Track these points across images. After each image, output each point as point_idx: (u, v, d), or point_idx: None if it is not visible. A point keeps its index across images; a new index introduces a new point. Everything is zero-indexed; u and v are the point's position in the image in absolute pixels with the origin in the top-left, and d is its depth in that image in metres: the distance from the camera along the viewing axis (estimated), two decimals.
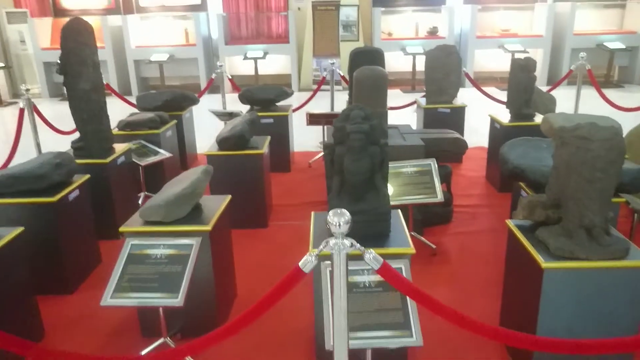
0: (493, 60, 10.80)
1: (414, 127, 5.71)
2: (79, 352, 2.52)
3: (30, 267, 2.80)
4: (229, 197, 3.03)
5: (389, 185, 3.61)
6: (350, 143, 2.35)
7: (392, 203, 2.78)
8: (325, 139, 6.00)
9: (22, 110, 5.04)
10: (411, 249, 2.29)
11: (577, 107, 6.58)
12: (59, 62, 3.68)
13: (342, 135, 2.41)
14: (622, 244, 2.18)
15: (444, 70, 5.75)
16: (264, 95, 5.52)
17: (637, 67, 10.22)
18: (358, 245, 1.63)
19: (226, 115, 5.61)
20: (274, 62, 10.93)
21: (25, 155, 4.79)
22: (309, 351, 2.64)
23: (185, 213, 2.72)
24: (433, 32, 10.66)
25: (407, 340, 2.02)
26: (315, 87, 7.77)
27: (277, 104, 5.69)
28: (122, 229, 2.67)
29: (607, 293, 2.17)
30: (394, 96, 9.45)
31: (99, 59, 3.88)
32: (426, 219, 4.05)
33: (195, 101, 5.82)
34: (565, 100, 7.41)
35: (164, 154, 4.67)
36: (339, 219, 1.60)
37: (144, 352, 2.62)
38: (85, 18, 3.78)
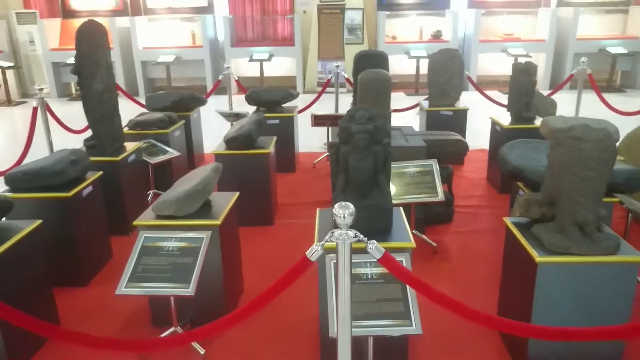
0: (496, 64, 10.89)
1: (417, 129, 5.82)
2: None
3: (47, 260, 2.93)
4: (237, 193, 3.15)
5: (392, 184, 3.73)
6: (355, 142, 2.46)
7: (395, 201, 2.89)
8: (330, 140, 6.11)
9: (35, 109, 5.17)
10: (411, 244, 2.40)
11: (578, 111, 6.68)
12: (73, 62, 3.81)
13: (347, 134, 2.52)
14: (613, 240, 2.29)
15: (446, 74, 5.86)
16: (270, 97, 5.64)
17: (639, 72, 10.31)
18: (361, 236, 1.74)
19: (233, 116, 5.72)
20: (280, 65, 11.06)
21: (36, 153, 4.93)
22: (314, 340, 2.76)
23: (196, 208, 2.84)
24: (437, 36, 10.76)
25: (407, 329, 2.13)
26: (319, 89, 7.89)
27: (283, 105, 5.81)
28: (135, 222, 2.79)
29: (598, 287, 2.28)
30: (398, 99, 9.57)
31: (111, 60, 4.02)
32: (428, 218, 4.16)
33: (203, 102, 5.94)
34: (566, 104, 7.52)
35: (172, 153, 4.80)
36: (344, 211, 1.71)
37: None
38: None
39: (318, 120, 5.90)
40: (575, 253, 2.25)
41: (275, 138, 4.57)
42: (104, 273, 3.60)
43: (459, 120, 5.85)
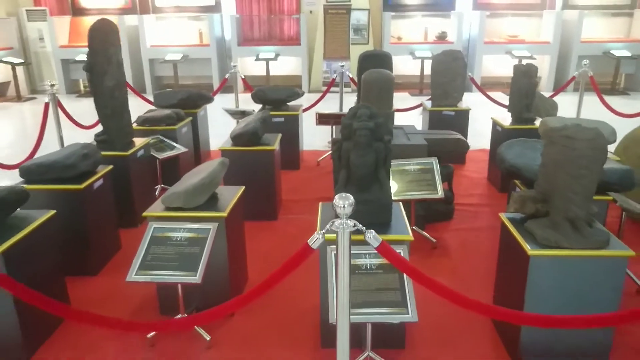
0: (500, 66, 10.96)
1: (419, 128, 5.91)
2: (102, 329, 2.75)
3: (59, 249, 3.05)
4: (242, 187, 3.26)
5: (393, 181, 3.83)
6: (356, 139, 2.57)
7: (396, 198, 2.98)
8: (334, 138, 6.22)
9: (47, 105, 5.30)
10: (409, 237, 2.50)
11: (579, 112, 6.75)
12: (82, 59, 3.92)
13: (349, 131, 2.63)
14: (603, 235, 2.38)
15: (449, 75, 5.94)
16: (276, 96, 5.75)
17: None
18: (360, 225, 1.85)
19: (239, 114, 5.84)
20: (285, 64, 11.18)
21: (46, 147, 5.06)
22: (315, 328, 2.86)
23: (203, 201, 2.96)
24: (442, 37, 10.85)
25: (404, 317, 2.24)
26: (324, 88, 8.00)
27: (288, 104, 5.92)
28: (145, 213, 2.91)
29: (588, 280, 2.37)
30: (402, 99, 9.67)
31: (122, 58, 4.14)
32: (428, 215, 4.26)
33: (210, 100, 6.06)
34: (568, 105, 7.59)
35: (180, 148, 4.92)
36: (344, 201, 1.82)
37: None
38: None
39: (322, 119, 6.00)
40: (566, 247, 2.35)
41: (280, 135, 4.68)
42: (113, 263, 3.72)
43: (461, 121, 5.93)
